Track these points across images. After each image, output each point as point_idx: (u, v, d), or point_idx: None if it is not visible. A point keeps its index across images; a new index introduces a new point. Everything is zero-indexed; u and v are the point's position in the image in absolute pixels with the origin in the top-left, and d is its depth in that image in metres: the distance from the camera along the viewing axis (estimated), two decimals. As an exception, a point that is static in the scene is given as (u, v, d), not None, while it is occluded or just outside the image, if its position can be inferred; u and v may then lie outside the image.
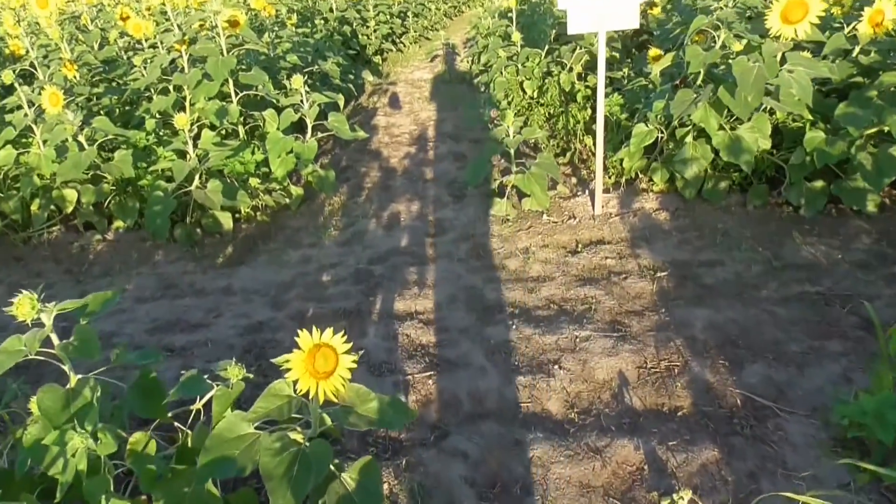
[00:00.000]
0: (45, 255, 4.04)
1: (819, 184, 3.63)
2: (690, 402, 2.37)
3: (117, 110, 4.92)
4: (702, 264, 3.33)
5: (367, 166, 5.35)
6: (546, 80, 5.66)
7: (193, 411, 1.76)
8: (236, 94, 4.46)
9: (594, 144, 4.53)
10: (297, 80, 3.96)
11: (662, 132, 4.00)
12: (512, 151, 3.95)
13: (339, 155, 5.63)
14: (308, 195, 4.57)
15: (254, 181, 4.12)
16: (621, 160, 4.18)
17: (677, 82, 4.10)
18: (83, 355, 1.48)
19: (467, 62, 9.43)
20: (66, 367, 1.57)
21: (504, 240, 3.83)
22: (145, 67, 4.52)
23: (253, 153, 4.14)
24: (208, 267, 3.79)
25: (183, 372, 2.74)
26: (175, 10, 5.93)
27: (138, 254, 3.97)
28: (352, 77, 7.79)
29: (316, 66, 6.24)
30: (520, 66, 5.89)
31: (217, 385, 1.62)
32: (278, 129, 4.08)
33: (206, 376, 1.66)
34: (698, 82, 3.77)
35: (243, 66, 5.13)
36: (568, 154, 4.92)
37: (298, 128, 4.49)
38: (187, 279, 3.66)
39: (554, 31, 5.96)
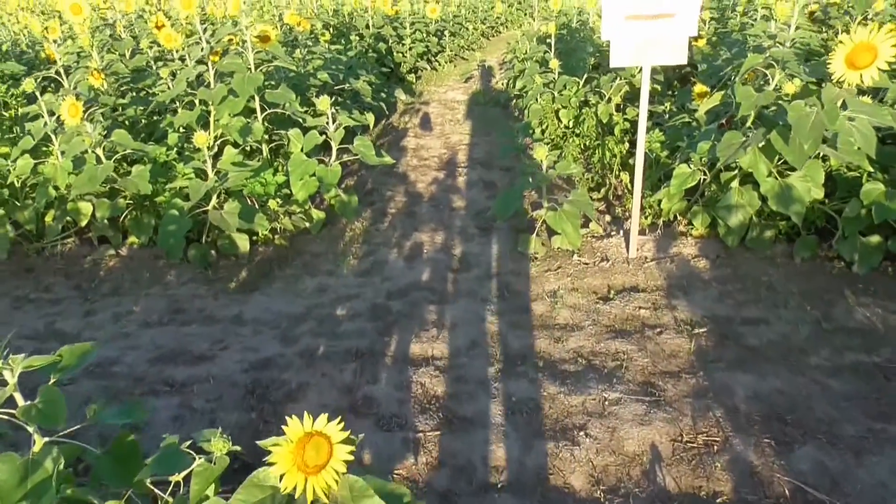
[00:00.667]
0: (56, 268, 3.93)
1: (875, 239, 3.36)
2: (731, 488, 2.12)
3: (143, 121, 4.82)
4: (744, 322, 3.08)
5: (392, 190, 5.18)
6: (583, 110, 5.45)
7: (172, 483, 1.57)
8: (262, 110, 4.33)
9: (631, 182, 4.31)
10: (324, 102, 3.81)
11: (705, 174, 3.76)
12: (544, 187, 3.75)
13: (365, 177, 5.47)
14: (329, 218, 4.40)
15: (273, 203, 3.96)
16: (659, 201, 3.95)
17: (723, 122, 3.86)
18: (48, 422, 1.30)
19: (502, 84, 9.26)
20: (30, 429, 1.39)
21: (531, 280, 3.62)
22: (172, 79, 4.42)
23: (274, 174, 3.99)
24: (220, 291, 3.63)
25: (178, 413, 2.58)
26: (208, 21, 5.86)
27: (150, 273, 3.83)
28: (384, 95, 7.67)
29: (347, 84, 6.11)
30: (556, 93, 5.70)
31: (199, 459, 1.43)
32: (302, 150, 3.93)
33: (187, 444, 1.46)
34: (747, 124, 3.53)
35: (272, 82, 5.02)
36: (603, 189, 4.69)
37: (324, 148, 4.34)
38: (197, 304, 3.50)
39: (593, 59, 5.76)
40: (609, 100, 5.32)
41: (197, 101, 4.22)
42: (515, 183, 3.82)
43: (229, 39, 4.40)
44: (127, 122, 4.77)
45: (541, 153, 3.63)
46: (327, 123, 3.94)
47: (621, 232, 4.05)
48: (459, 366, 2.86)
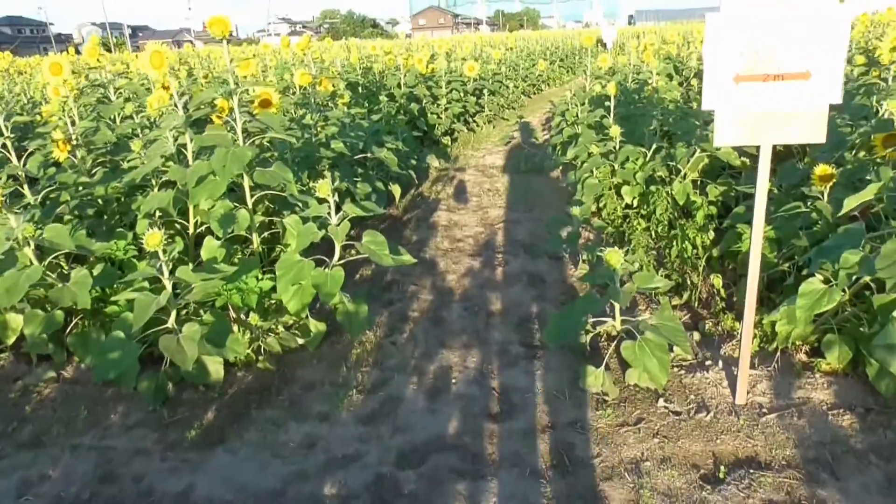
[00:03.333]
0: (-23, 397, 3.03)
1: None
2: None
3: (116, 201, 3.99)
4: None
5: (417, 283, 4.22)
6: (650, 188, 4.47)
7: None
8: (253, 192, 3.45)
9: (725, 287, 3.28)
10: (323, 187, 2.90)
11: (844, 291, 2.71)
12: (619, 308, 2.74)
13: (384, 266, 4.53)
14: (333, 326, 3.44)
15: (255, 318, 3.04)
16: (773, 322, 2.89)
17: (856, 213, 2.83)
18: None
19: (547, 148, 8.37)
20: None
21: (601, 439, 2.57)
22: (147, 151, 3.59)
23: (259, 278, 3.07)
24: (174, 443, 2.67)
25: None
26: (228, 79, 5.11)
27: (90, 409, 2.90)
28: (414, 162, 6.81)
29: (370, 153, 5.26)
30: (617, 166, 4.73)
31: None
32: (295, 249, 3.01)
33: None
34: (910, 225, 2.50)
35: (273, 154, 4.17)
36: (684, 294, 3.66)
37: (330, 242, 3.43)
38: (137, 466, 2.54)
39: (659, 124, 4.79)
40: (684, 175, 4.33)
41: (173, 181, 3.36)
42: (574, 303, 2.82)
43: (214, 105, 3.56)
44: (100, 203, 3.96)
45: (614, 259, 2.63)
46: (328, 215, 3.02)
47: (719, 361, 3.00)
48: None
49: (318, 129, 4.84)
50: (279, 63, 9.53)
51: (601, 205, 4.91)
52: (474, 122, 9.95)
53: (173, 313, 2.80)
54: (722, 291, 3.38)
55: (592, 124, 5.84)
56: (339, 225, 3.01)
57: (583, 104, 6.23)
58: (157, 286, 2.83)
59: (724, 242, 3.85)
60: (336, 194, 2.98)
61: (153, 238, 2.58)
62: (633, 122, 5.21)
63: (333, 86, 6.10)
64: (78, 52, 10.66)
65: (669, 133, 4.76)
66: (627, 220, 4.64)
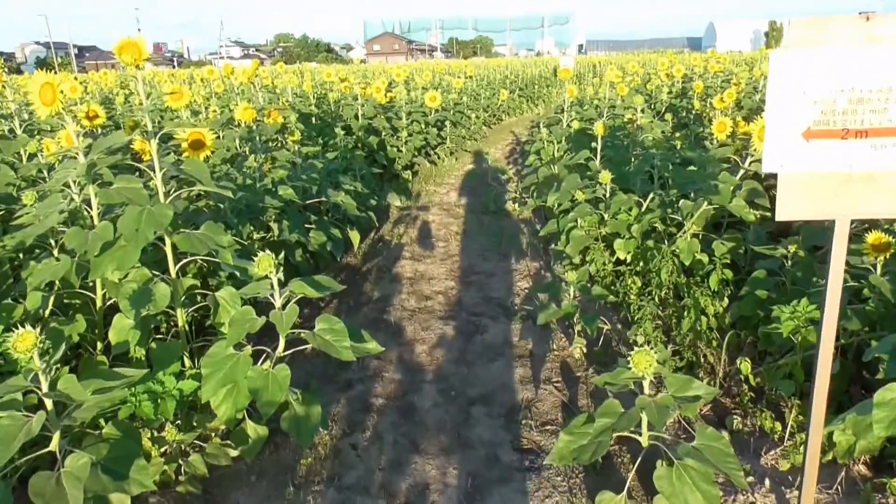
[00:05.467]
0: None
1: None
2: None
3: (10, 262, 3.23)
4: None
5: (381, 356, 3.55)
6: (646, 242, 3.92)
7: None
8: (177, 260, 2.74)
9: (774, 392, 2.74)
10: (263, 262, 2.22)
11: (925, 397, 2.16)
12: (646, 421, 2.13)
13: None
14: (277, 423, 2.73)
15: (171, 432, 2.32)
16: (830, 433, 2.33)
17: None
18: None
19: (514, 187, 7.84)
20: None
21: None
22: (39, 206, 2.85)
23: (182, 372, 2.37)
24: None
25: None
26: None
27: (-60, 565, 2.14)
28: (374, 202, 6.17)
29: (324, 197, 4.59)
30: (608, 216, 4.18)
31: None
32: (228, 343, 2.31)
33: None
34: None
35: (206, 204, 3.49)
36: (698, 372, 3.10)
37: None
38: None
39: (658, 170, 4.27)
40: (684, 229, 3.80)
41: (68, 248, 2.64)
42: (592, 418, 2.18)
43: (129, 150, 2.86)
44: (-14, 264, 3.19)
45: (643, 363, 2.02)
46: (271, 295, 2.34)
47: (765, 479, 2.41)
48: None
49: (266, 171, 4.15)
50: (227, 89, 8.80)
51: (587, 258, 4.34)
52: (436, 154, 9.38)
53: (57, 434, 2.07)
54: (751, 379, 2.81)
55: (565, 162, 5.32)
56: (284, 309, 2.33)
57: (559, 142, 5.70)
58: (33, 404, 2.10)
59: (736, 308, 3.32)
60: (280, 269, 2.30)
61: (24, 341, 1.87)
62: (618, 164, 4.68)
63: (284, 118, 5.43)
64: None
65: (662, 178, 4.24)
66: (620, 277, 4.08)
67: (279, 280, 2.32)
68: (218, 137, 5.32)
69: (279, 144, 5.37)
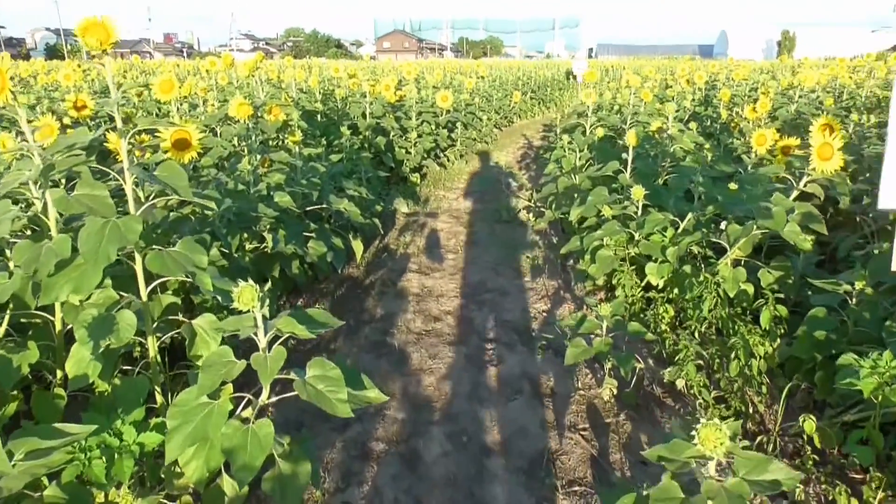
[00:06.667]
0: None
1: None
2: None
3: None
4: None
5: (383, 390, 3.14)
6: (683, 268, 3.51)
7: None
8: (149, 280, 2.34)
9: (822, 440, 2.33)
10: (245, 294, 1.81)
11: None
12: None
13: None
14: (259, 474, 2.33)
15: (126, 498, 1.93)
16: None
17: None
18: None
19: (527, 191, 7.44)
20: None
21: None
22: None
23: (141, 426, 1.97)
24: None
25: None
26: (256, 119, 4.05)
27: None
28: (380, 208, 5.77)
29: (325, 204, 4.19)
30: (639, 236, 3.77)
31: None
32: (200, 391, 1.90)
33: None
34: None
35: (192, 210, 3.10)
36: (747, 423, 2.69)
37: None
38: None
39: (696, 186, 3.85)
40: (727, 255, 3.38)
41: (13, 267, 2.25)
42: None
43: (94, 149, 2.47)
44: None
45: (712, 441, 1.62)
46: (254, 334, 1.93)
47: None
48: None
49: (262, 174, 3.74)
50: (230, 82, 8.41)
51: (613, 280, 3.94)
52: (445, 157, 8.97)
53: (-18, 506, 1.67)
54: (816, 440, 2.40)
55: (590, 173, 4.91)
56: (269, 351, 1.93)
57: (581, 150, 5.28)
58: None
59: (787, 349, 2.92)
60: (265, 302, 1.89)
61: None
62: (648, 177, 4.27)
63: (286, 115, 5.02)
64: None
65: (701, 196, 3.83)
66: (651, 304, 3.67)
67: (264, 316, 1.92)
68: (215, 134, 4.92)
69: (279, 144, 4.96)
